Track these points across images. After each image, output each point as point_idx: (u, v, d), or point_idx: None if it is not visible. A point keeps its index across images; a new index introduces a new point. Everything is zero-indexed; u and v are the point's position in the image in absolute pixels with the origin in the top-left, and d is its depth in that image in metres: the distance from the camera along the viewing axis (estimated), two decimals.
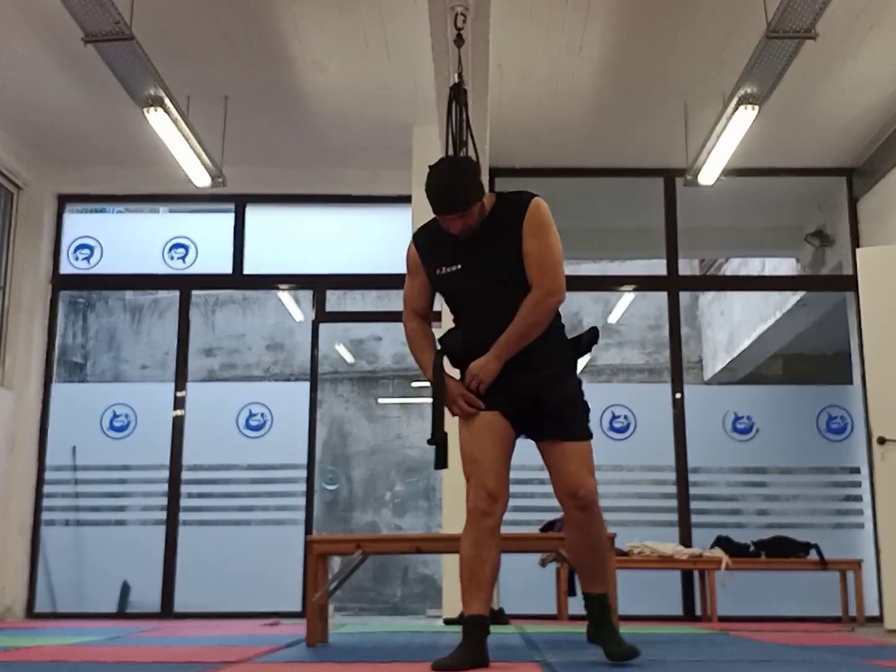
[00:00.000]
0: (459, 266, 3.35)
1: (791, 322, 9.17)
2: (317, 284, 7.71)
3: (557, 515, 6.76)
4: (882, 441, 6.08)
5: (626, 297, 11.38)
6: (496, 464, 3.35)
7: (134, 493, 7.67)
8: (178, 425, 7.43)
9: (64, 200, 7.79)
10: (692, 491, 7.21)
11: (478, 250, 3.32)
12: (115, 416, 7.45)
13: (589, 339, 3.38)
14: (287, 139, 7.21)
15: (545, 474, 7.32)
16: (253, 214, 7.76)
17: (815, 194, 7.96)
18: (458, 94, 4.63)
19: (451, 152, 4.55)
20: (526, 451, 5.63)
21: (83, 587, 7.10)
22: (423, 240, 3.55)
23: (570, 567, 4.17)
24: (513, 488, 5.95)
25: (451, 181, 3.36)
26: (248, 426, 7.42)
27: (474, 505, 3.22)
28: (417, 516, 11.52)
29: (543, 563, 6.64)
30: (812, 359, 10.46)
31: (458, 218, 3.26)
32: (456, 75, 4.68)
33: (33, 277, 7.51)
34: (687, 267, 10.28)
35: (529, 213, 3.27)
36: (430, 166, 3.47)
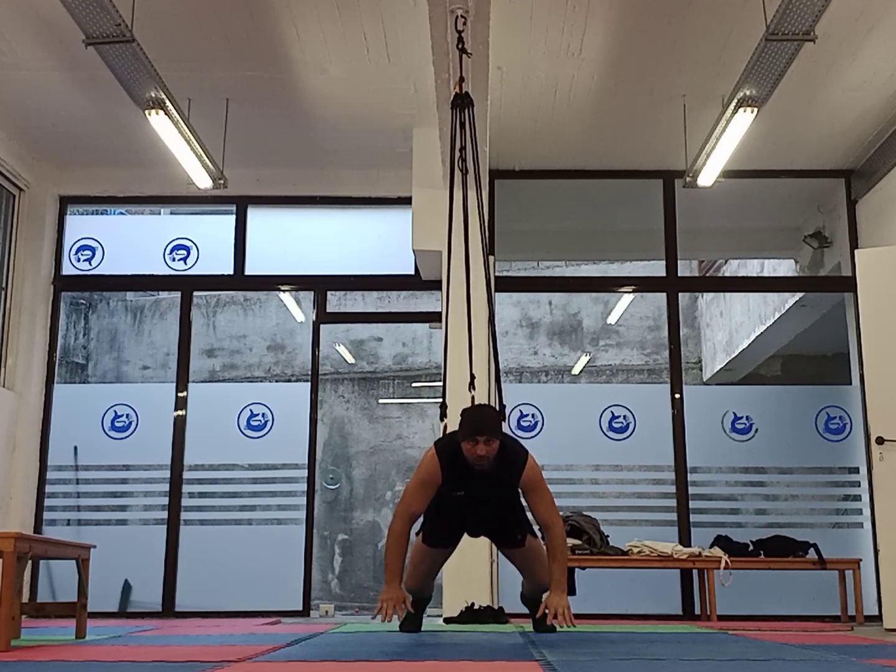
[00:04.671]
0: (462, 493, 4.11)
1: (790, 323, 9.18)
2: (317, 285, 7.73)
3: None
4: (881, 441, 6.10)
5: (626, 298, 11.40)
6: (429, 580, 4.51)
7: (135, 493, 7.70)
8: (179, 425, 7.45)
9: (65, 202, 7.81)
10: (691, 490, 7.23)
11: (480, 485, 4.06)
12: (117, 416, 7.47)
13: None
14: (288, 141, 7.23)
15: (545, 474, 7.35)
16: (254, 216, 7.78)
17: (813, 196, 7.98)
18: (462, 103, 4.66)
19: (455, 157, 4.59)
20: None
21: None
22: (447, 460, 4.08)
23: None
24: None
25: (489, 413, 4.06)
26: (249, 426, 7.44)
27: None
28: None
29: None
30: (811, 359, 10.48)
31: (486, 443, 3.89)
32: (456, 84, 4.69)
33: (35, 278, 7.53)
34: (686, 268, 10.30)
35: (525, 474, 4.07)
36: (465, 409, 4.15)
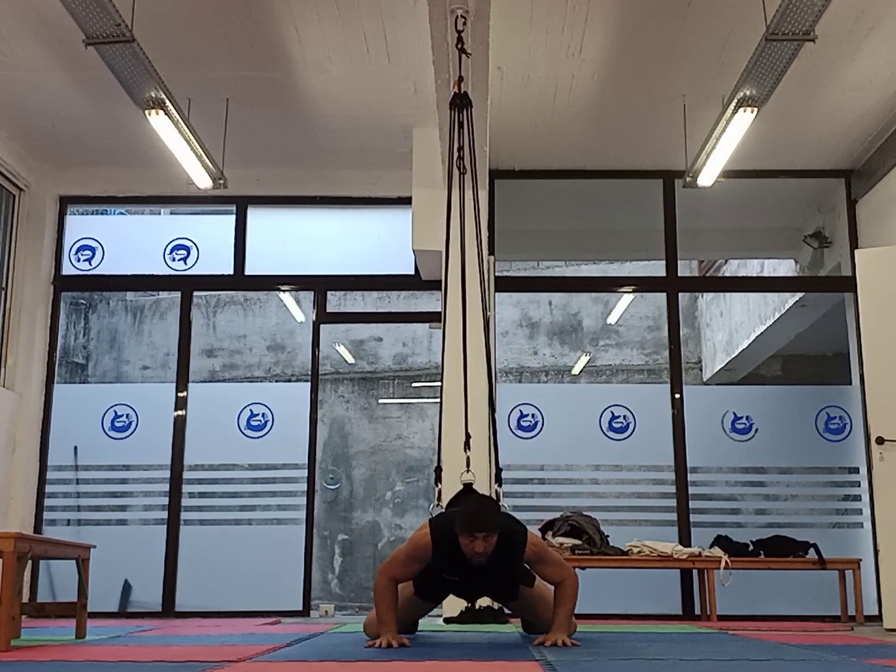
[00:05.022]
0: (457, 578, 4.05)
1: (790, 323, 9.18)
2: (317, 285, 7.73)
3: (557, 515, 6.79)
4: (881, 441, 6.10)
5: (626, 298, 11.40)
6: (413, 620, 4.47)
7: (135, 493, 7.70)
8: (179, 425, 7.45)
9: (65, 202, 7.81)
10: (691, 490, 7.23)
11: (477, 572, 3.94)
12: (117, 416, 7.47)
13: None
14: (288, 141, 7.23)
15: (545, 474, 7.39)
16: (254, 216, 7.78)
17: (813, 196, 7.98)
18: (461, 103, 4.65)
19: (454, 157, 4.58)
20: (526, 452, 5.73)
21: None
22: (441, 546, 3.95)
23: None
24: (513, 488, 6.04)
25: (487, 507, 3.92)
26: (249, 426, 7.44)
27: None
28: (418, 516, 11.53)
29: None
30: (811, 359, 10.48)
31: (485, 539, 3.78)
32: (455, 85, 4.69)
33: (35, 278, 7.53)
34: (686, 268, 10.30)
35: (527, 555, 3.99)
36: (458, 494, 4.17)
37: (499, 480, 4.38)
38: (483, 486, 4.51)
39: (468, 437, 4.37)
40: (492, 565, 3.91)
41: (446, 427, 4.65)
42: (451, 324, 5.32)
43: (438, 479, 4.37)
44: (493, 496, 4.27)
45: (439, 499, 4.31)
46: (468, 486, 4.21)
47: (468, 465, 4.25)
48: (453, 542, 3.85)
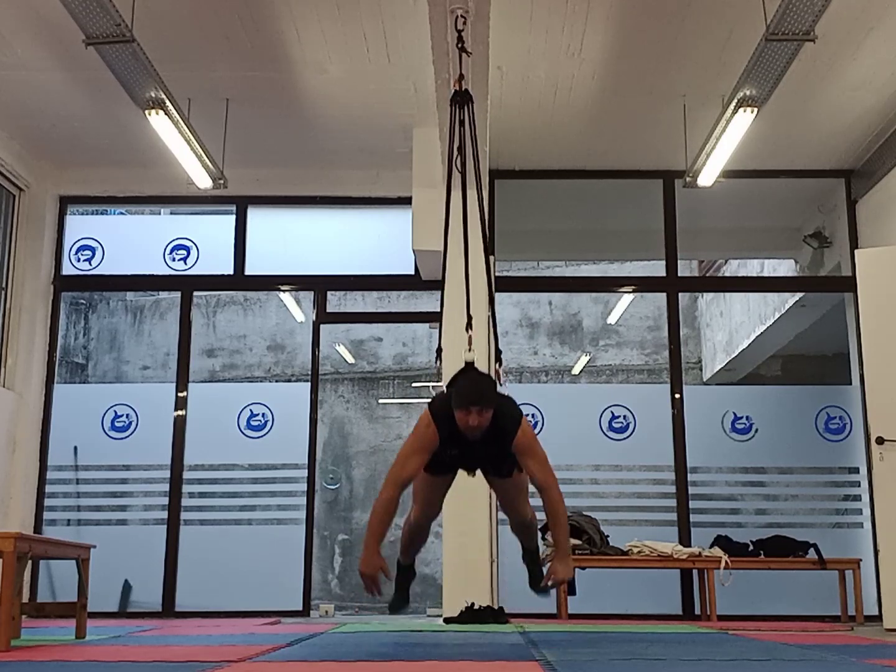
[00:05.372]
0: (457, 452, 3.98)
1: (790, 323, 9.18)
2: (317, 285, 7.73)
3: None
4: (881, 441, 6.10)
5: (626, 298, 11.40)
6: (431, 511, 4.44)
7: (135, 493, 7.70)
8: (179, 425, 7.45)
9: (65, 202, 7.81)
10: (691, 490, 7.23)
11: (473, 446, 3.93)
12: (117, 416, 7.47)
13: None
14: (288, 141, 7.23)
15: None
16: (254, 216, 7.78)
17: (813, 196, 7.98)
18: (462, 100, 4.65)
19: (454, 157, 4.57)
20: None
21: None
22: (442, 422, 3.91)
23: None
24: None
25: (483, 381, 3.90)
26: (249, 426, 7.44)
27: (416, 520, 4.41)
28: None
29: (543, 563, 6.66)
30: (811, 359, 10.48)
31: (479, 413, 3.75)
32: (455, 82, 4.69)
33: (35, 278, 7.53)
34: (686, 268, 10.30)
35: (517, 439, 3.94)
36: (458, 372, 4.00)
37: (499, 360, 4.33)
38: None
39: (469, 318, 4.31)
40: (487, 441, 3.89)
41: None
42: (449, 324, 5.31)
43: (439, 358, 4.36)
44: (493, 375, 4.21)
45: (439, 375, 4.28)
46: (469, 365, 4.13)
47: (470, 344, 4.19)
48: (451, 419, 3.84)
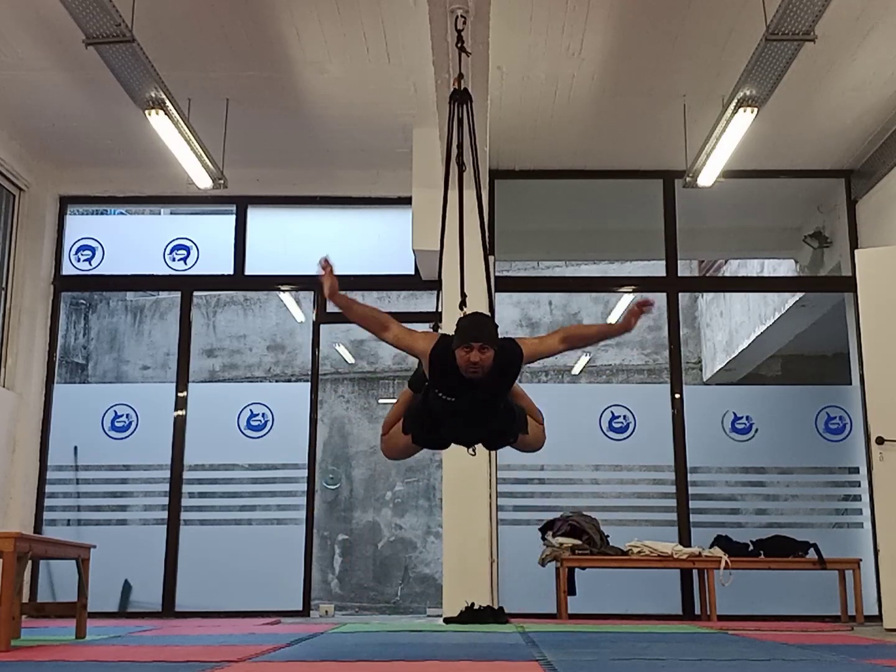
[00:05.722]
0: (453, 399, 3.80)
1: (790, 323, 9.18)
2: (318, 285, 7.62)
3: (557, 515, 6.80)
4: (881, 441, 6.10)
5: (626, 298, 11.39)
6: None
7: (135, 493, 7.70)
8: (179, 425, 7.45)
9: (65, 202, 7.81)
10: (691, 490, 7.23)
11: (473, 392, 3.77)
12: (117, 416, 7.47)
13: None
14: (288, 141, 7.23)
15: (545, 474, 7.41)
16: (254, 216, 7.78)
17: (813, 196, 7.98)
18: (461, 99, 4.64)
19: (452, 156, 4.57)
20: (525, 453, 5.63)
21: None
22: (441, 351, 3.78)
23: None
24: (512, 488, 6.06)
25: (486, 320, 3.81)
26: (249, 426, 7.44)
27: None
28: (418, 516, 11.54)
29: (543, 563, 6.67)
30: (811, 359, 10.48)
31: (481, 351, 3.63)
32: (454, 81, 4.69)
33: (35, 278, 7.53)
34: (686, 268, 10.30)
35: (526, 354, 3.82)
36: (462, 316, 3.90)
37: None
38: None
39: (464, 295, 4.24)
40: (489, 387, 3.76)
41: None
42: (449, 323, 5.31)
43: (437, 327, 4.25)
44: None
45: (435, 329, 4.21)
46: None
47: (462, 307, 4.14)
48: (450, 359, 3.70)
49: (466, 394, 3.76)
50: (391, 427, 4.13)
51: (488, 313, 3.99)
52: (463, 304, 4.21)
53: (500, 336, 3.78)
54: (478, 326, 3.71)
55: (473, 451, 4.17)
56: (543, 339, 3.98)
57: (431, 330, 4.22)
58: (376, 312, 3.90)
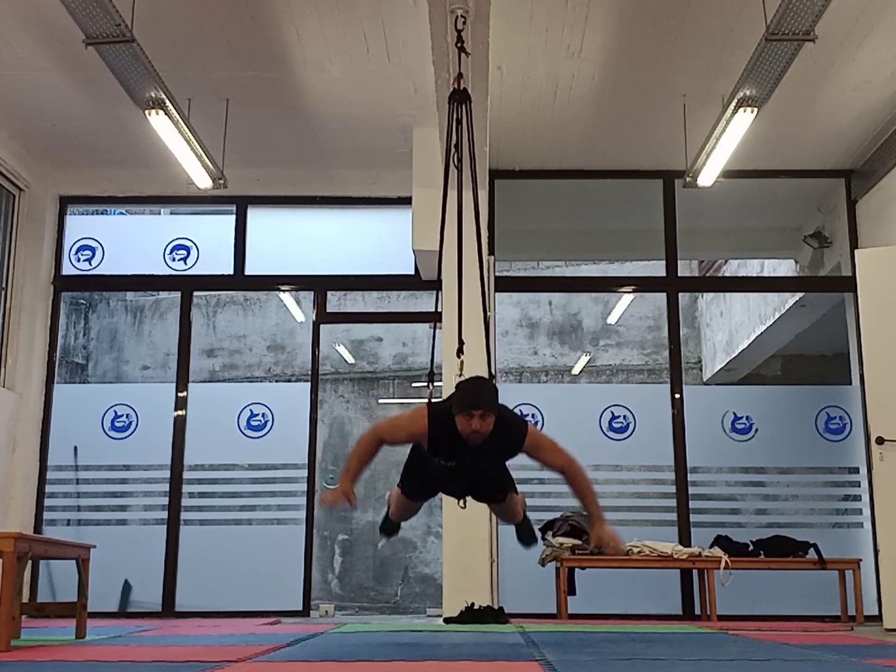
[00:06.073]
0: (454, 464, 3.91)
1: (790, 323, 9.18)
2: (317, 285, 7.73)
3: (557, 515, 6.80)
4: (881, 441, 6.10)
5: (626, 298, 11.40)
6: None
7: (135, 493, 7.70)
8: (179, 425, 7.45)
9: (65, 202, 7.81)
10: (691, 490, 7.23)
11: (472, 457, 3.86)
12: (117, 416, 7.47)
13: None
14: (288, 141, 7.23)
15: (545, 474, 7.39)
16: (254, 216, 7.79)
17: (813, 196, 7.98)
18: (460, 98, 4.64)
19: (451, 155, 4.57)
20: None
21: None
22: (437, 427, 3.83)
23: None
24: None
25: (486, 386, 3.86)
26: (249, 426, 7.44)
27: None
28: (418, 516, 11.47)
29: (543, 563, 6.67)
30: (811, 359, 10.48)
31: (481, 418, 3.68)
32: (454, 81, 4.69)
33: (35, 278, 7.53)
34: (686, 268, 10.29)
35: (528, 440, 3.88)
36: (462, 380, 3.93)
37: (492, 377, 4.30)
38: None
39: (461, 343, 4.29)
40: (489, 450, 3.82)
41: None
42: (448, 324, 5.32)
43: (431, 382, 4.24)
44: None
45: (434, 340, 4.29)
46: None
47: (461, 369, 4.16)
48: (450, 426, 3.75)
49: (466, 458, 3.85)
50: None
51: (489, 379, 4.04)
52: (460, 350, 4.26)
53: (521, 417, 3.96)
54: (478, 393, 3.76)
55: (464, 503, 4.29)
56: (551, 444, 3.96)
57: (431, 328, 4.23)
58: (361, 443, 3.92)
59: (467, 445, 3.77)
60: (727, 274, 10.18)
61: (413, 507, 4.40)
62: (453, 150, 4.56)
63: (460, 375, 4.11)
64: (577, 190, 7.85)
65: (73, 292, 9.74)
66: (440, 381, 5.95)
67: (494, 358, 4.43)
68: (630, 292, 10.28)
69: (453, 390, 3.88)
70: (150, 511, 7.60)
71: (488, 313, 4.93)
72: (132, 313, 12.24)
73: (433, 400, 4.00)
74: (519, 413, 4.08)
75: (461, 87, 4.70)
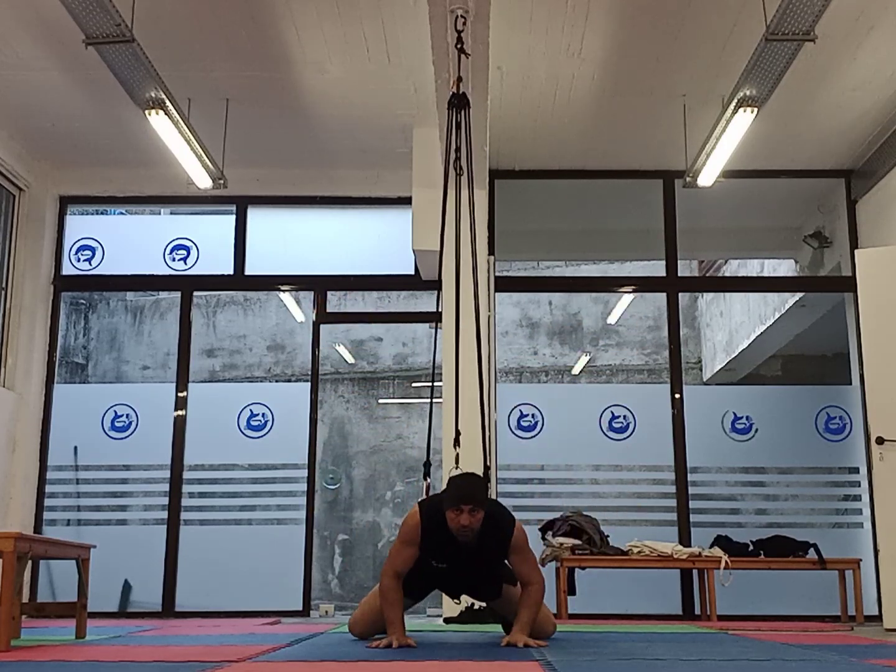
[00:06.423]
0: (446, 566, 4.01)
1: (790, 323, 9.19)
2: (317, 285, 7.73)
3: (557, 515, 6.80)
4: (880, 441, 6.10)
5: (626, 298, 11.41)
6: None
7: (135, 493, 7.70)
8: (179, 425, 7.45)
9: (65, 202, 7.81)
10: (691, 490, 7.23)
11: (464, 557, 3.95)
12: (117, 416, 7.47)
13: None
14: (288, 141, 7.23)
15: (545, 474, 7.40)
16: (254, 216, 7.79)
17: (813, 196, 7.98)
18: (459, 104, 4.65)
19: (451, 157, 4.58)
20: (526, 452, 5.75)
21: None
22: (429, 526, 3.92)
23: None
24: (512, 488, 6.01)
25: (476, 482, 3.91)
26: (249, 426, 7.44)
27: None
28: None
29: (543, 563, 6.66)
30: (811, 359, 10.48)
31: (471, 513, 3.78)
32: (453, 84, 4.69)
33: (35, 278, 7.53)
34: (686, 268, 10.30)
35: (514, 538, 3.96)
36: (452, 476, 3.99)
37: (486, 477, 4.26)
38: None
39: (458, 433, 4.38)
40: (479, 549, 3.89)
41: (444, 426, 4.66)
42: (447, 324, 5.31)
43: (427, 475, 4.36)
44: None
45: (427, 493, 4.30)
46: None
47: (457, 462, 4.23)
48: (441, 524, 3.84)
49: (457, 557, 3.93)
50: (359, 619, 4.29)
51: (478, 475, 4.04)
52: (457, 442, 4.34)
53: (509, 513, 4.02)
54: (468, 488, 3.83)
55: (458, 600, 4.35)
56: (532, 562, 4.08)
57: (431, 328, 4.25)
58: (384, 592, 3.96)
59: (457, 544, 3.85)
60: (727, 274, 10.19)
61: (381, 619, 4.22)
62: (453, 154, 4.57)
63: (456, 468, 4.15)
64: (577, 190, 7.85)
65: (73, 292, 9.74)
66: (440, 381, 5.96)
67: (495, 359, 4.43)
68: (630, 292, 10.28)
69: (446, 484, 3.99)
70: (150, 511, 7.60)
71: (488, 313, 4.93)
72: (132, 313, 12.24)
73: (429, 493, 4.17)
74: (504, 507, 4.11)
75: (460, 92, 4.71)
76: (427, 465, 4.41)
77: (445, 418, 4.68)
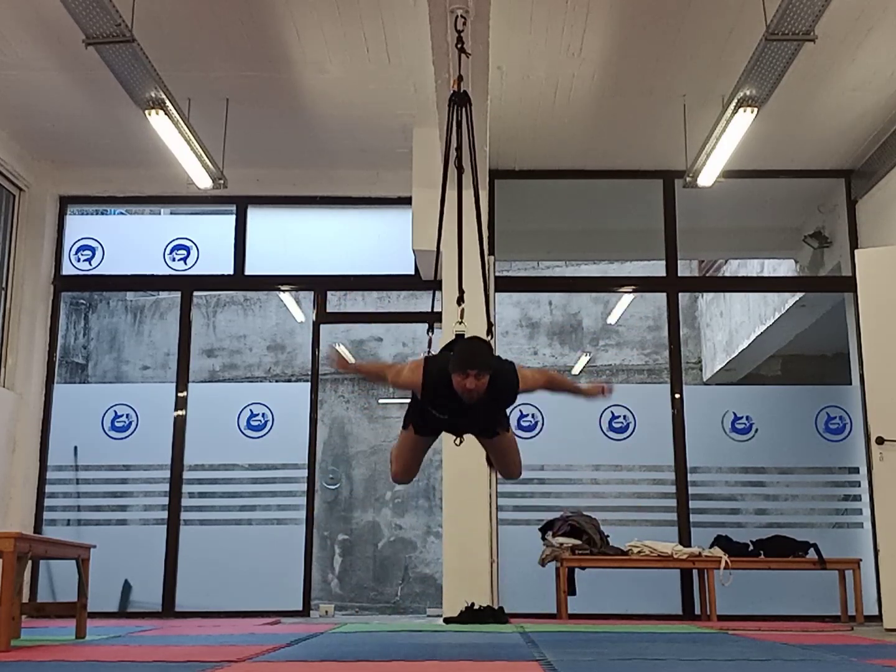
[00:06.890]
0: (446, 416, 4.03)
1: (790, 323, 9.18)
2: (317, 285, 7.73)
3: (557, 515, 6.80)
4: (881, 441, 6.10)
5: (626, 298, 11.40)
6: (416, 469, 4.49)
7: (135, 493, 7.70)
8: (179, 425, 7.45)
9: (65, 202, 7.81)
10: (691, 490, 7.23)
11: (466, 412, 3.94)
12: (117, 416, 7.47)
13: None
14: (288, 141, 7.23)
15: (545, 474, 7.42)
16: (254, 216, 7.79)
17: (813, 196, 7.98)
18: (460, 101, 4.64)
19: (451, 157, 4.57)
20: (526, 452, 5.69)
21: None
22: (432, 380, 3.93)
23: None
24: (512, 488, 6.01)
25: (482, 347, 3.90)
26: (249, 426, 7.44)
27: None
28: (418, 516, 11.54)
29: (543, 563, 6.67)
30: (811, 359, 10.48)
31: (476, 377, 3.75)
32: (454, 83, 4.69)
33: (35, 278, 7.53)
34: (686, 268, 10.30)
35: (521, 385, 3.97)
36: (458, 340, 4.04)
37: (490, 334, 4.36)
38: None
39: (462, 291, 4.36)
40: (482, 405, 3.90)
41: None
42: (447, 325, 5.32)
43: (431, 329, 4.30)
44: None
45: (430, 346, 4.29)
46: (460, 336, 4.15)
47: (461, 317, 4.23)
48: (445, 381, 3.83)
49: (459, 411, 3.93)
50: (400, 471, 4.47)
51: (484, 339, 4.06)
52: (461, 299, 4.31)
53: (507, 360, 3.99)
54: (474, 353, 3.83)
55: (460, 441, 4.31)
56: (535, 375, 4.15)
57: (428, 331, 4.25)
58: (375, 367, 4.14)
59: (461, 400, 3.85)
60: (727, 274, 10.19)
61: (420, 447, 4.35)
62: (453, 152, 4.56)
63: (460, 323, 4.17)
64: (577, 190, 7.85)
65: (73, 292, 9.74)
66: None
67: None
68: (630, 292, 10.28)
69: (448, 348, 4.02)
70: (150, 511, 7.60)
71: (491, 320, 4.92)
72: (132, 313, 12.24)
73: (432, 353, 4.12)
74: (505, 360, 4.06)
75: (461, 90, 4.70)
76: (431, 326, 4.33)
77: None
